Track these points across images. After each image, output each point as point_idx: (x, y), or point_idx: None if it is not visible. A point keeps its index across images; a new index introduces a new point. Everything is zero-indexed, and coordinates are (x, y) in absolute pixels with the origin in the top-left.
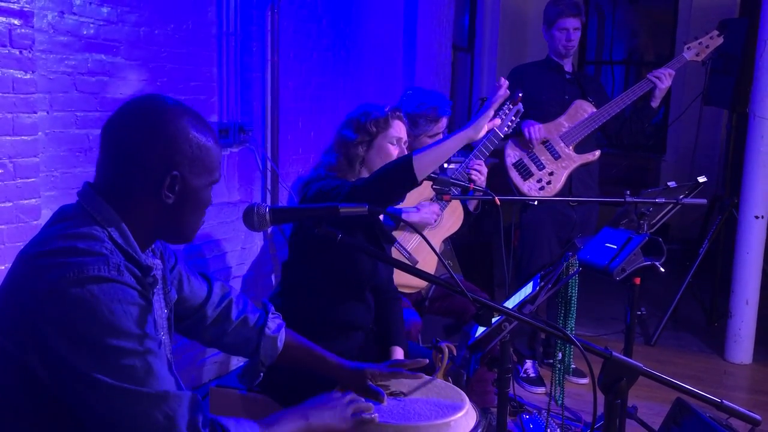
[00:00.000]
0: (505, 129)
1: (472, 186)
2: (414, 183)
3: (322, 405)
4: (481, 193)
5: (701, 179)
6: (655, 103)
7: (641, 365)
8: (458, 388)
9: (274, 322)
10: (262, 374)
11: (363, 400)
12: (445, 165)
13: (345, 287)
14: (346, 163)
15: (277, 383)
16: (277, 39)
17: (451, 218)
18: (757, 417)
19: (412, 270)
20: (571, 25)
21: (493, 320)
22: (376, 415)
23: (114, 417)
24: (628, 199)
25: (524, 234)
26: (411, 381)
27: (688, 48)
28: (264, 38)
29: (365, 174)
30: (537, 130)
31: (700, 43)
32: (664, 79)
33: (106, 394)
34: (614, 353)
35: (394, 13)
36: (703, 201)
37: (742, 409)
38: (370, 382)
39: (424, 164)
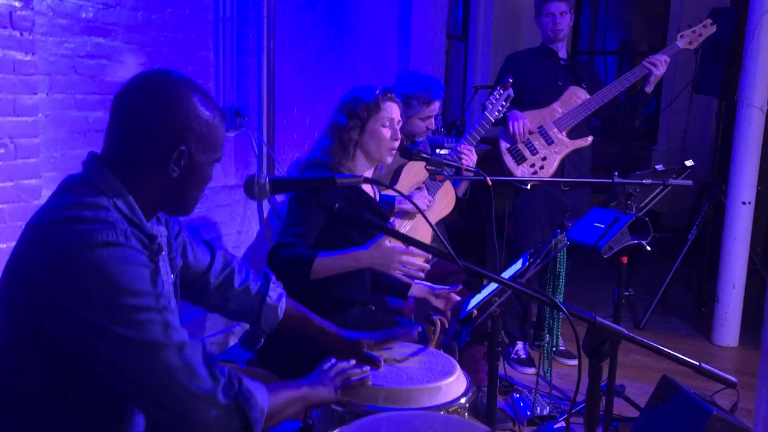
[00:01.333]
0: (496, 114)
1: (464, 166)
2: (306, 279)
3: (316, 383)
4: (473, 174)
5: (688, 163)
6: (649, 89)
7: (624, 329)
8: (449, 356)
9: (275, 291)
10: (262, 340)
11: (350, 368)
12: (437, 150)
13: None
14: (339, 148)
15: (276, 356)
16: (273, 25)
17: (443, 201)
18: (733, 379)
19: (409, 240)
20: (557, 9)
21: (483, 289)
22: (367, 369)
23: (134, 369)
24: (616, 180)
25: (517, 218)
26: (405, 350)
27: (681, 36)
28: (260, 24)
29: (361, 157)
30: (522, 126)
31: (693, 32)
32: (659, 65)
33: (126, 347)
34: (598, 318)
35: (389, 1)
36: (689, 182)
37: (718, 372)
38: (366, 350)
39: (320, 269)
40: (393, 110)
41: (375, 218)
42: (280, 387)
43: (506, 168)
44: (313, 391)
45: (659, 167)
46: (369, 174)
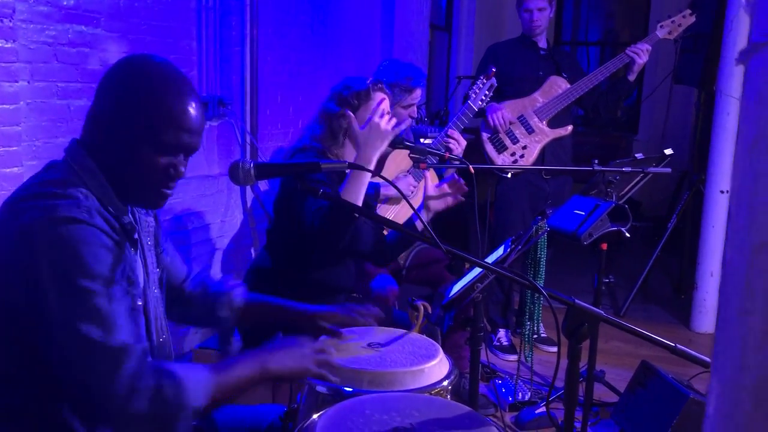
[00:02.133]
0: (479, 103)
1: (447, 155)
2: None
3: (280, 349)
4: (457, 162)
5: (667, 151)
6: (632, 77)
7: (602, 312)
8: (432, 340)
9: (229, 282)
10: (235, 339)
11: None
12: (421, 140)
13: (326, 252)
14: (329, 135)
15: (258, 345)
16: (256, 14)
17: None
18: (707, 359)
19: (392, 224)
20: (535, 6)
21: (466, 274)
22: (335, 341)
23: (62, 352)
24: (596, 167)
25: (499, 206)
26: (388, 334)
27: (660, 26)
28: (243, 13)
29: (349, 145)
30: (501, 116)
31: (672, 22)
32: (641, 54)
33: (62, 328)
34: (577, 301)
35: None
36: (668, 170)
37: (693, 353)
38: (324, 322)
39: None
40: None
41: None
42: (234, 364)
43: (487, 157)
44: (278, 361)
45: (639, 156)
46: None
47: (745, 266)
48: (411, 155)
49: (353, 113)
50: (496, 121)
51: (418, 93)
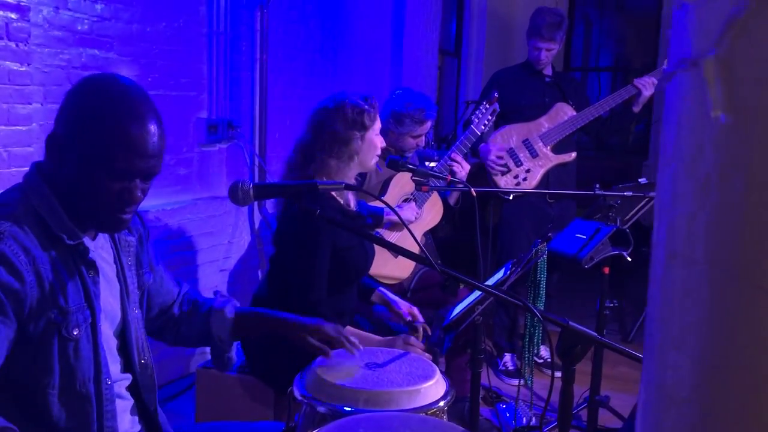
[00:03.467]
0: (482, 127)
1: (450, 178)
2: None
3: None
4: (460, 185)
5: None
6: (636, 108)
7: (595, 334)
8: (429, 361)
9: (221, 298)
10: (231, 356)
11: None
12: (426, 163)
13: (341, 280)
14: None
15: (265, 365)
16: (266, 39)
17: (431, 212)
18: None
19: (394, 248)
20: (544, 47)
21: (467, 297)
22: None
23: None
24: (597, 191)
25: (503, 230)
26: (386, 353)
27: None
28: (253, 38)
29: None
30: (494, 157)
31: None
32: (648, 86)
33: None
34: (570, 322)
35: (382, 16)
36: None
37: None
38: (312, 339)
39: None
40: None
41: (359, 225)
42: None
43: (490, 179)
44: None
45: (642, 180)
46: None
47: (660, 276)
48: (414, 178)
49: (363, 136)
50: (493, 163)
51: (428, 124)
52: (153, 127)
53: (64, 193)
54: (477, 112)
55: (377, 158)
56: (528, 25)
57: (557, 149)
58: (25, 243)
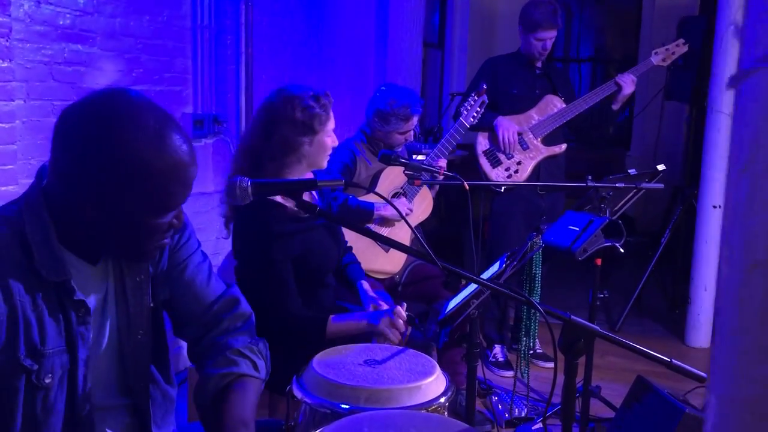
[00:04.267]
0: (471, 119)
1: (442, 171)
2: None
3: None
4: (451, 179)
5: (660, 167)
6: (616, 106)
7: (597, 327)
8: (428, 357)
9: (234, 359)
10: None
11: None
12: (414, 156)
13: (310, 282)
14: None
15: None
16: (251, 32)
17: (421, 206)
18: (702, 374)
19: (390, 242)
20: (548, 36)
21: (462, 290)
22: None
23: None
24: (590, 183)
25: (494, 222)
26: (384, 350)
27: (655, 53)
28: (238, 32)
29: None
30: (512, 136)
31: (666, 50)
32: (629, 85)
33: None
34: (572, 316)
35: (365, 10)
36: (660, 186)
37: (688, 368)
38: None
39: (332, 333)
40: (333, 119)
41: (359, 224)
42: None
43: (482, 171)
44: None
45: (632, 171)
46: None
47: (738, 285)
48: (405, 172)
49: (313, 138)
50: (507, 139)
51: (414, 120)
52: (187, 149)
53: (68, 219)
54: (465, 104)
55: (327, 157)
56: (521, 21)
57: (547, 141)
58: (0, 270)
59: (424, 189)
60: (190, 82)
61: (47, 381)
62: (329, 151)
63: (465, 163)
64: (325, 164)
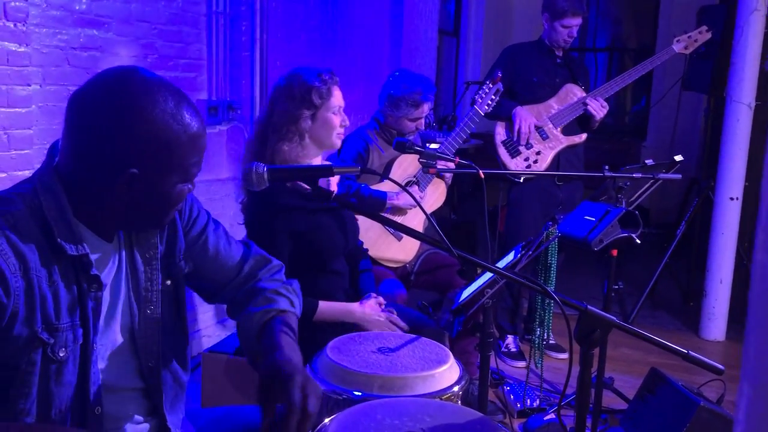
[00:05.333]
0: (485, 107)
1: (457, 159)
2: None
3: None
4: (467, 167)
5: (678, 158)
6: (593, 127)
7: (614, 318)
8: (442, 345)
9: (272, 297)
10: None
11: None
12: (428, 145)
13: (314, 263)
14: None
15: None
16: (266, 18)
17: (434, 195)
18: (720, 366)
19: (404, 228)
20: (575, 23)
21: (476, 279)
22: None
23: None
24: (607, 173)
25: (511, 212)
26: (398, 338)
27: (677, 41)
28: (253, 18)
29: (312, 146)
30: (529, 126)
31: (689, 37)
32: (599, 111)
33: None
34: (589, 306)
35: None
36: (678, 176)
37: (706, 360)
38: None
39: (319, 317)
40: (340, 96)
41: (377, 212)
42: None
43: (500, 161)
44: None
45: (649, 162)
46: (318, 161)
47: None
48: (420, 160)
49: (314, 114)
50: (523, 129)
51: (426, 107)
52: (199, 118)
53: (86, 196)
54: (480, 92)
55: (338, 136)
56: (547, 8)
57: (567, 131)
58: (19, 245)
59: (437, 179)
60: (205, 68)
61: (61, 354)
62: (337, 130)
63: (479, 151)
64: (335, 143)
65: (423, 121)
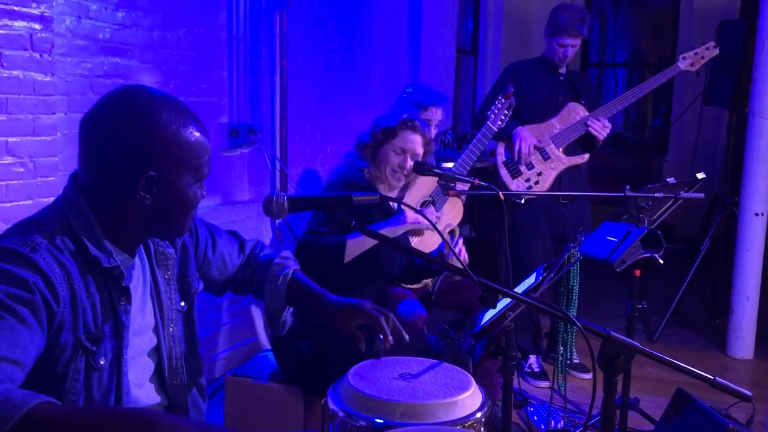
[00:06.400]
0: (499, 123)
1: (476, 181)
2: (341, 261)
3: None
4: (486, 188)
5: (700, 175)
6: (598, 145)
7: (638, 344)
8: (464, 371)
9: (278, 265)
10: (284, 320)
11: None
12: (443, 164)
13: (366, 275)
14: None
15: (297, 370)
16: (285, 42)
17: (451, 213)
18: (748, 393)
19: (421, 254)
20: (571, 43)
21: (498, 304)
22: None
23: None
24: (628, 193)
25: (518, 232)
26: (420, 364)
27: (683, 58)
28: (273, 42)
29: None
30: (529, 147)
31: (695, 54)
32: (601, 132)
33: None
34: (612, 332)
35: (398, 17)
36: (701, 195)
37: (733, 386)
38: (351, 324)
39: (351, 249)
40: (409, 140)
41: (390, 237)
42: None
43: (501, 181)
44: None
45: (671, 180)
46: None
47: None
48: (440, 182)
49: (377, 147)
50: (523, 149)
51: (430, 112)
52: (200, 123)
53: (110, 210)
54: (493, 108)
55: (396, 176)
56: (548, 24)
57: (569, 151)
58: (60, 258)
59: (453, 197)
60: (226, 92)
61: (101, 362)
62: (392, 167)
63: (483, 171)
64: (391, 182)
65: (432, 129)
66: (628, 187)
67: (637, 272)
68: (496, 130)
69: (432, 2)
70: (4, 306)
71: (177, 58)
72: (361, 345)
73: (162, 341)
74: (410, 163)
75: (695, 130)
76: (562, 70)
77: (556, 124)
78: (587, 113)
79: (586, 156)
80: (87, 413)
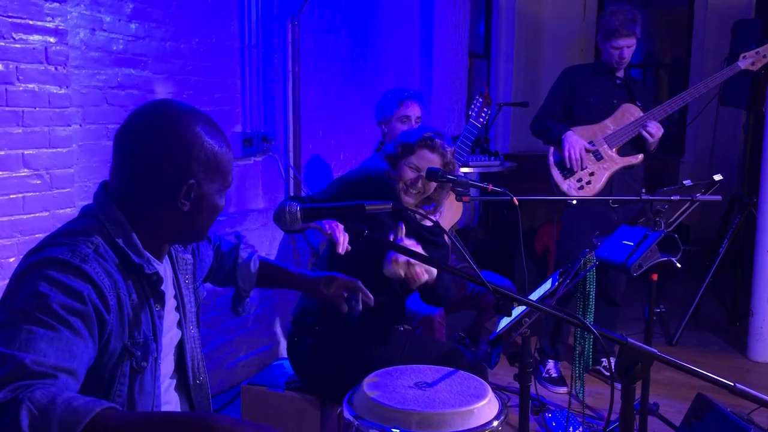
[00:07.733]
0: (481, 120)
1: (490, 187)
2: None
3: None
4: (500, 194)
5: (717, 177)
6: (651, 149)
7: (656, 350)
8: (481, 379)
9: (245, 251)
10: (249, 301)
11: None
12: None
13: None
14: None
15: (314, 378)
16: (297, 51)
17: (450, 211)
18: None
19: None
20: (625, 44)
21: (514, 312)
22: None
23: None
24: (644, 197)
25: (563, 234)
26: (434, 371)
27: (744, 57)
28: (285, 50)
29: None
30: (578, 152)
31: (757, 53)
32: (657, 130)
33: None
34: (630, 339)
35: (410, 22)
36: (718, 197)
37: (754, 392)
38: (324, 289)
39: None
40: (425, 158)
41: (399, 245)
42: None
43: (553, 181)
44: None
45: (687, 182)
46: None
47: None
48: (454, 188)
49: (396, 161)
50: (572, 155)
51: (407, 105)
52: (224, 135)
53: (146, 217)
54: (472, 106)
55: (409, 191)
56: (600, 30)
57: (623, 151)
58: (107, 267)
59: (452, 194)
60: (239, 101)
61: (144, 365)
62: (405, 180)
63: (513, 174)
64: (404, 197)
65: (413, 123)
66: (644, 190)
67: (655, 276)
68: (479, 126)
69: (443, 7)
70: (58, 317)
71: (190, 68)
72: (343, 307)
73: (185, 342)
74: (422, 182)
75: (712, 130)
76: (620, 74)
77: (609, 125)
78: (642, 114)
79: (640, 156)
80: (147, 418)
